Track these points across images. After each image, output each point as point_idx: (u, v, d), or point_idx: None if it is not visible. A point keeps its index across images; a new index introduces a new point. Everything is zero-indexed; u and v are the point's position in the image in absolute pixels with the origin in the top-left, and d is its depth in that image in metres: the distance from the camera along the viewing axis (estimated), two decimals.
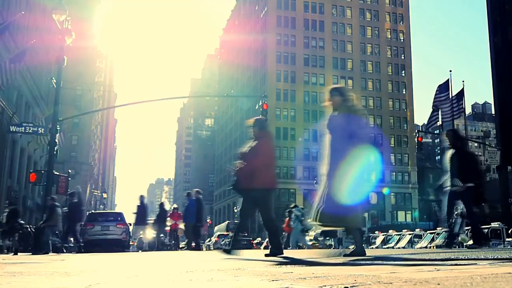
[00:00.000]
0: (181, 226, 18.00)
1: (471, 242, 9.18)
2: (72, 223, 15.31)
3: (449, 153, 8.53)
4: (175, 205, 20.44)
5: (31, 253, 14.16)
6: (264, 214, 6.40)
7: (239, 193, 7.03)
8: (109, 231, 18.88)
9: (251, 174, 6.27)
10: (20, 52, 21.35)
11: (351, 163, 4.93)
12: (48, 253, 13.30)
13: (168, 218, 18.51)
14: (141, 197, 17.14)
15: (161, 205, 19.17)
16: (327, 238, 37.78)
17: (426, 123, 35.22)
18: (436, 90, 32.98)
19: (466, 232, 18.98)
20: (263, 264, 4.64)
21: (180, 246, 21.74)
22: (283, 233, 18.12)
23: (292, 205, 19.41)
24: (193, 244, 16.44)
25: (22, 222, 16.39)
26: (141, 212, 16.68)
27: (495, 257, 4.39)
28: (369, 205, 5.42)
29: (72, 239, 15.86)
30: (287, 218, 18.35)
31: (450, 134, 8.78)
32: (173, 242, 18.65)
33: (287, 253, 7.13)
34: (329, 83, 78.80)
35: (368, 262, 4.32)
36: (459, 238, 17.85)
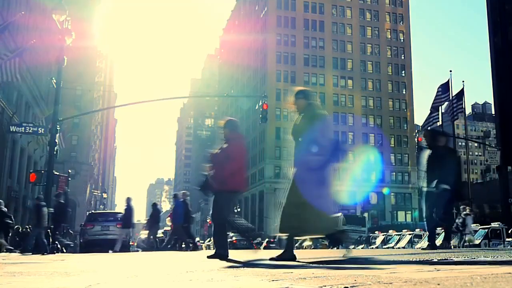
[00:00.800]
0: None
1: (425, 245, 8.99)
2: (57, 223, 15.30)
3: (426, 153, 8.38)
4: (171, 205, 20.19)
5: (31, 253, 14.18)
6: (220, 214, 6.23)
7: (207, 195, 6.98)
8: (109, 231, 18.86)
9: (222, 177, 6.19)
10: (19, 51, 21.33)
11: (311, 173, 4.78)
12: (45, 254, 13.30)
13: (168, 218, 18.46)
14: (128, 199, 16.97)
15: (154, 205, 19.09)
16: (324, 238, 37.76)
17: (422, 123, 35.15)
18: (437, 91, 32.97)
19: (472, 232, 18.99)
20: (263, 264, 4.64)
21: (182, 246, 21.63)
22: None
23: None
24: (188, 244, 16.37)
25: (10, 222, 16.34)
26: (127, 214, 16.49)
27: (495, 257, 4.39)
28: (333, 211, 5.13)
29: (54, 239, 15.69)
30: None
31: (427, 134, 8.63)
32: (172, 242, 18.59)
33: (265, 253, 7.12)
34: (329, 83, 78.88)
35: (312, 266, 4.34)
36: (466, 238, 17.87)
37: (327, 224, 4.94)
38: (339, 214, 5.26)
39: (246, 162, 6.67)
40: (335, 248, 33.40)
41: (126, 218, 16.42)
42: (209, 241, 43.85)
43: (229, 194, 6.24)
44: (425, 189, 8.21)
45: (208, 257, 6.13)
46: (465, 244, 17.82)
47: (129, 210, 16.57)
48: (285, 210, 4.96)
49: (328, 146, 4.88)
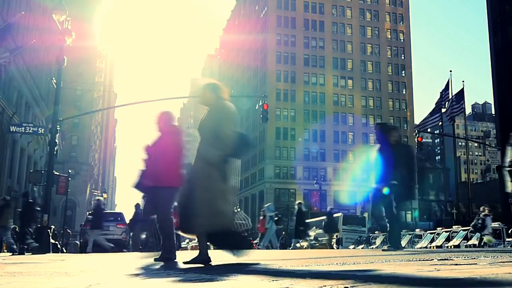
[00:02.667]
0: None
1: (385, 247, 8.38)
2: (25, 223, 15.30)
3: (376, 148, 8.07)
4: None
5: (31, 253, 14.17)
6: (162, 215, 5.90)
7: (142, 192, 6.73)
8: (109, 231, 18.87)
9: (156, 173, 5.84)
10: (18, 51, 21.31)
11: (209, 168, 4.52)
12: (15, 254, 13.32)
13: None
14: (98, 201, 16.87)
15: (137, 206, 19.04)
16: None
17: (420, 122, 35.13)
18: (440, 95, 33.00)
19: (492, 233, 18.92)
20: (263, 264, 4.64)
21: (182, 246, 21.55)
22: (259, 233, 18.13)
23: (266, 205, 19.36)
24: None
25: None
26: (97, 216, 16.32)
27: (495, 257, 4.39)
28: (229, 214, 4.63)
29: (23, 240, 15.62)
30: (262, 218, 18.37)
31: (377, 128, 8.22)
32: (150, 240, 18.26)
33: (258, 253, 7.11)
34: (329, 83, 78.87)
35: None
36: (484, 239, 17.80)
37: (219, 222, 4.48)
38: (242, 221, 4.78)
39: (182, 156, 5.94)
40: (337, 247, 33.29)
41: (95, 220, 16.21)
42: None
43: (164, 190, 5.77)
44: (373, 186, 7.85)
45: (155, 259, 5.72)
46: (482, 244, 17.80)
47: (97, 211, 16.38)
48: (180, 207, 4.74)
49: (229, 141, 4.58)
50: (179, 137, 6.13)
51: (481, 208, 18.42)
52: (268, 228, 17.53)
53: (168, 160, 5.82)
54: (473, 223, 18.97)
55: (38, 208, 16.02)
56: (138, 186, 6.59)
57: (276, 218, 17.56)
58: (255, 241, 23.73)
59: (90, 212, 18.04)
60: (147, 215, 6.81)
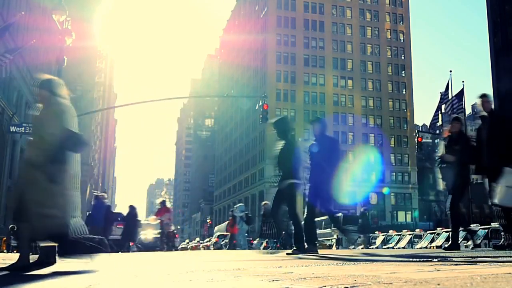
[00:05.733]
0: (171, 226, 17.72)
1: (290, 250, 7.35)
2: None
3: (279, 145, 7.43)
4: (162, 199, 18.84)
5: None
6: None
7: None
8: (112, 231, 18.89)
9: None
10: (18, 51, 21.31)
11: (34, 175, 4.21)
12: None
13: (154, 217, 18.25)
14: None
15: (108, 207, 19.01)
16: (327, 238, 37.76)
17: (429, 123, 35.25)
18: (440, 95, 33.02)
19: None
20: (263, 265, 4.65)
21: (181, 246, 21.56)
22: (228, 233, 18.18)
23: (236, 205, 19.46)
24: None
25: None
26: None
27: (495, 257, 4.39)
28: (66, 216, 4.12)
29: None
30: (230, 218, 18.36)
31: (274, 126, 7.49)
32: (164, 241, 18.29)
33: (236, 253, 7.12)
34: (329, 83, 78.89)
35: None
36: None
37: (43, 226, 4.16)
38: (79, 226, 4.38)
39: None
40: (337, 248, 33.33)
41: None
42: (208, 241, 43.78)
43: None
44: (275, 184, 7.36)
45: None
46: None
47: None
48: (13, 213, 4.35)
49: (55, 141, 4.23)
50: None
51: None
52: (239, 228, 17.74)
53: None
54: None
55: None
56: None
57: (245, 219, 17.72)
58: (255, 241, 23.73)
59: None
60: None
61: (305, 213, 7.32)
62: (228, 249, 20.07)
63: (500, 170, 6.81)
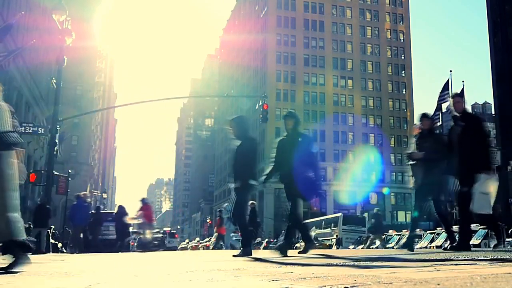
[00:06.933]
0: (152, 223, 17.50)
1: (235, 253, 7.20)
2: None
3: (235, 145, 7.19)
4: (142, 197, 18.06)
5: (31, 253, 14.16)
6: None
7: None
8: (109, 231, 18.88)
9: None
10: (17, 52, 21.32)
11: None
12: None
13: (129, 217, 18.02)
14: (41, 201, 16.78)
15: (97, 209, 19.02)
16: (327, 238, 37.75)
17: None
18: (439, 95, 33.04)
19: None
20: (263, 265, 4.65)
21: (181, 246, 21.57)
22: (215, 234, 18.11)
23: (224, 205, 19.48)
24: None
25: None
26: (43, 213, 16.20)
27: (495, 257, 4.39)
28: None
29: None
30: (217, 219, 18.33)
31: (232, 124, 7.15)
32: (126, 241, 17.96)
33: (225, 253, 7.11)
34: (329, 83, 78.89)
35: None
36: None
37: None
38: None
39: None
40: (337, 248, 33.30)
41: (40, 218, 16.11)
42: (208, 241, 43.73)
43: None
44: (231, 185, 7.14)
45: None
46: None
47: (39, 210, 16.29)
48: None
49: None
50: None
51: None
52: (227, 229, 17.76)
53: None
54: None
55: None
56: None
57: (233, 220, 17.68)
58: (255, 241, 23.73)
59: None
60: None
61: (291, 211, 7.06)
62: (213, 249, 20.02)
63: (470, 174, 6.70)
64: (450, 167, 7.17)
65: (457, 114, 7.20)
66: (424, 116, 7.87)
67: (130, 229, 17.76)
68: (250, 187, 6.99)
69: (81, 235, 16.21)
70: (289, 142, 6.96)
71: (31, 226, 16.45)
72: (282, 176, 7.12)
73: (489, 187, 6.78)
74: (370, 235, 23.45)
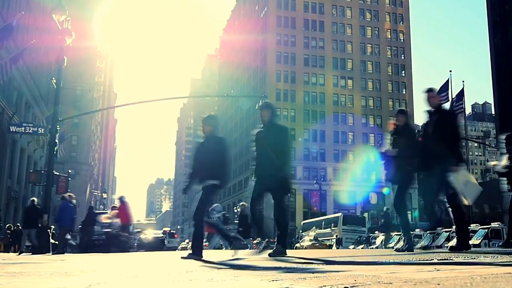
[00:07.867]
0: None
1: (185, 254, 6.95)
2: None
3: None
4: (120, 195, 17.83)
5: (31, 253, 14.19)
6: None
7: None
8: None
9: None
10: (18, 52, 21.32)
11: None
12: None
13: (105, 215, 17.91)
14: (32, 201, 16.74)
15: (90, 208, 18.97)
16: (327, 238, 37.74)
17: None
18: (439, 91, 32.99)
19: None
20: (263, 265, 4.65)
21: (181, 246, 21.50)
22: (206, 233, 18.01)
23: (214, 205, 19.35)
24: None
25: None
26: (32, 215, 16.14)
27: (495, 257, 4.40)
28: None
29: None
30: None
31: (204, 123, 6.93)
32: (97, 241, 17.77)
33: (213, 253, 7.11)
34: (329, 83, 78.87)
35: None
36: None
37: None
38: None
39: None
40: (337, 247, 33.29)
41: (30, 219, 16.06)
42: (205, 242, 43.62)
43: None
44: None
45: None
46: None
47: (29, 211, 16.24)
48: None
49: None
50: None
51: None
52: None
53: None
54: None
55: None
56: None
57: (223, 219, 17.67)
58: (255, 241, 23.78)
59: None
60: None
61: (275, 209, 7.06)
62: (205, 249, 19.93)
63: (444, 169, 6.62)
64: (422, 162, 7.09)
65: (432, 109, 7.16)
66: (400, 112, 7.86)
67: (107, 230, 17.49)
68: (217, 187, 6.80)
69: (67, 236, 16.11)
70: (265, 134, 6.78)
71: (19, 227, 16.46)
72: (258, 168, 6.93)
73: (466, 176, 6.77)
74: (376, 233, 23.40)
